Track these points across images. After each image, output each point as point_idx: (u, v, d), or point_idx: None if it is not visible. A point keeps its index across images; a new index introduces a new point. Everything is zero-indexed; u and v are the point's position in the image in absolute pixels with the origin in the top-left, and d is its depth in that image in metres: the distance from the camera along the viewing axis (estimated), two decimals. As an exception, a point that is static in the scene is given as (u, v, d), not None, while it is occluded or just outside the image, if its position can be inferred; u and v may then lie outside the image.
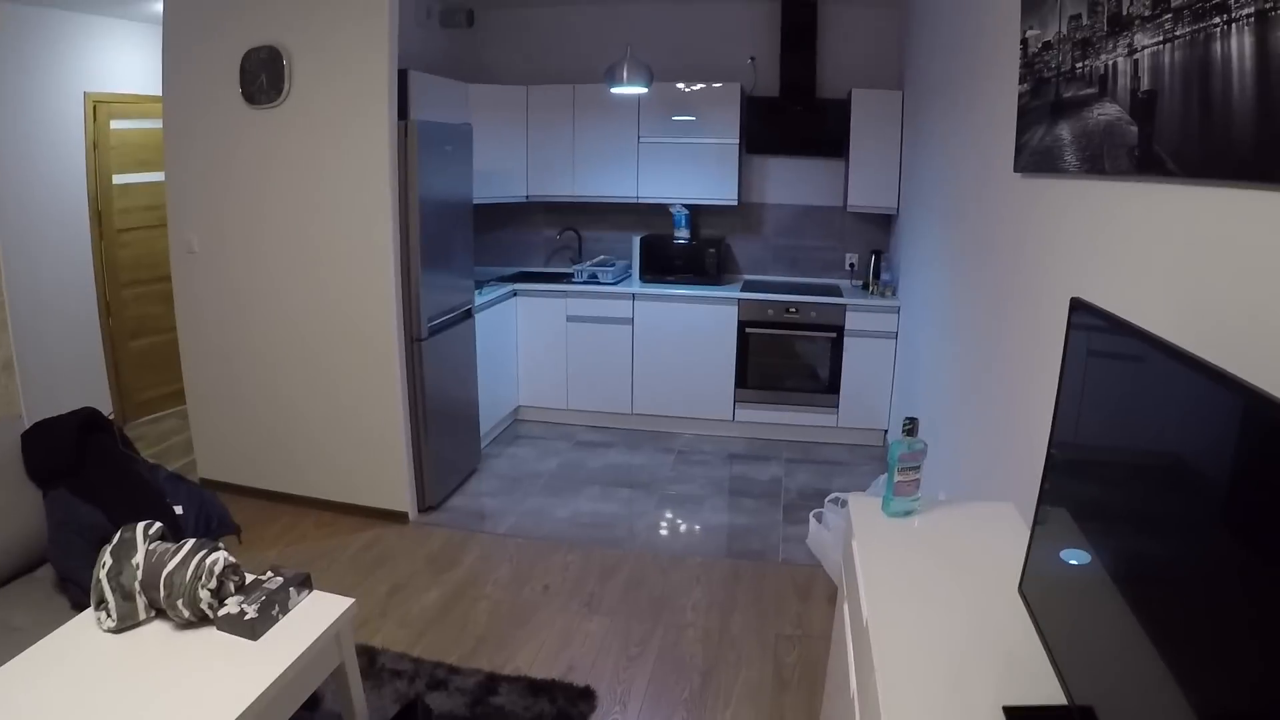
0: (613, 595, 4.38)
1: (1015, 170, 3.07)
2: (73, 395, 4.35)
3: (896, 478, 2.58)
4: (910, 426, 2.58)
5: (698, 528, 5.13)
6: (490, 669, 3.78)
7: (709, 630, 4.05)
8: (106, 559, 2.77)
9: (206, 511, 3.68)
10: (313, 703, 3.19)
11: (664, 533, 5.11)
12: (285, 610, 2.72)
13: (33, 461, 3.79)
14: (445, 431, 5.49)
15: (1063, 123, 2.58)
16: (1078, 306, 1.84)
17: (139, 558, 2.74)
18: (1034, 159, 2.87)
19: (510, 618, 4.19)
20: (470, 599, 4.37)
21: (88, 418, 3.82)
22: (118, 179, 6.76)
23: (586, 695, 3.61)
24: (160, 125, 5.33)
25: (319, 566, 4.60)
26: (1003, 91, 3.27)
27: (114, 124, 6.66)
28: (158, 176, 6.28)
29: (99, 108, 6.49)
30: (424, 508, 5.38)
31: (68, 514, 3.57)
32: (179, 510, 3.00)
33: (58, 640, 2.78)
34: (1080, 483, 1.86)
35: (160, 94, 5.23)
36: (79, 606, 3.33)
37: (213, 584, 2.65)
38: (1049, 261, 2.78)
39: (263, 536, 4.95)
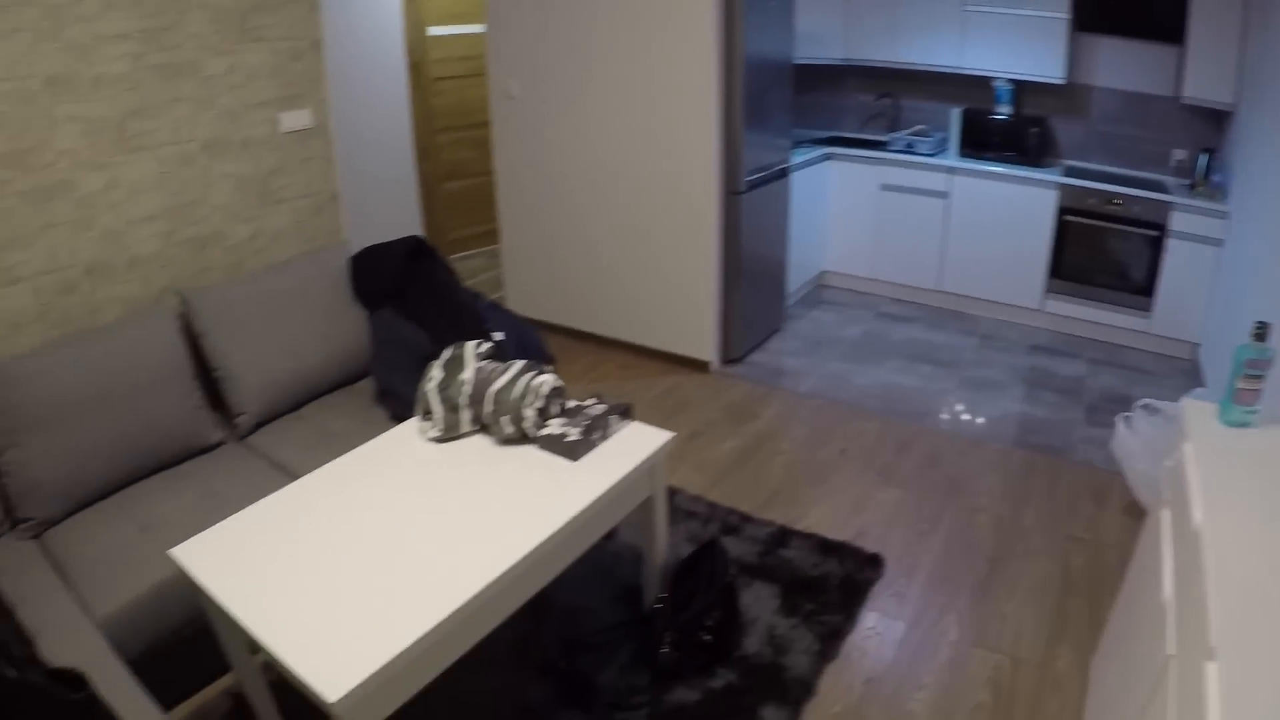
0: (908, 468, 4.30)
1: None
2: (389, 232, 4.51)
3: (1238, 384, 2.37)
4: (1261, 331, 2.35)
5: (996, 414, 4.93)
6: (783, 522, 3.80)
7: (1001, 519, 3.92)
8: (436, 373, 2.87)
9: (523, 341, 3.77)
10: (609, 533, 3.25)
11: (963, 414, 4.95)
12: (605, 436, 2.76)
13: (361, 283, 3.97)
14: (754, 287, 5.48)
15: None
16: None
17: (468, 374, 2.82)
18: None
19: (805, 476, 4.18)
20: (767, 452, 4.38)
21: (415, 245, 3.96)
22: (432, 30, 6.93)
23: (875, 562, 3.57)
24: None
25: (622, 406, 4.68)
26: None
27: (427, -23, 6.80)
28: (470, 29, 6.40)
29: (413, -38, 6.63)
30: (726, 359, 5.43)
31: (392, 332, 3.72)
32: (498, 337, 3.07)
33: (382, 444, 2.93)
34: None
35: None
36: (397, 419, 3.49)
37: (539, 404, 2.70)
38: None
39: (567, 373, 5.04)
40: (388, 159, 6.53)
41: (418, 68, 6.84)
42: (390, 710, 2.12)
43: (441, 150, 7.22)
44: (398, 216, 6.58)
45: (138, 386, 3.44)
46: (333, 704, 1.92)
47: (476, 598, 2.20)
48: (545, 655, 3.08)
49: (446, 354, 2.93)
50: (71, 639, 2.59)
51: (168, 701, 2.41)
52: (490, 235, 6.69)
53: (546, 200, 5.65)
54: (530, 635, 3.18)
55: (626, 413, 2.85)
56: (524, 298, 5.89)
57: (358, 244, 4.29)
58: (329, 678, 1.97)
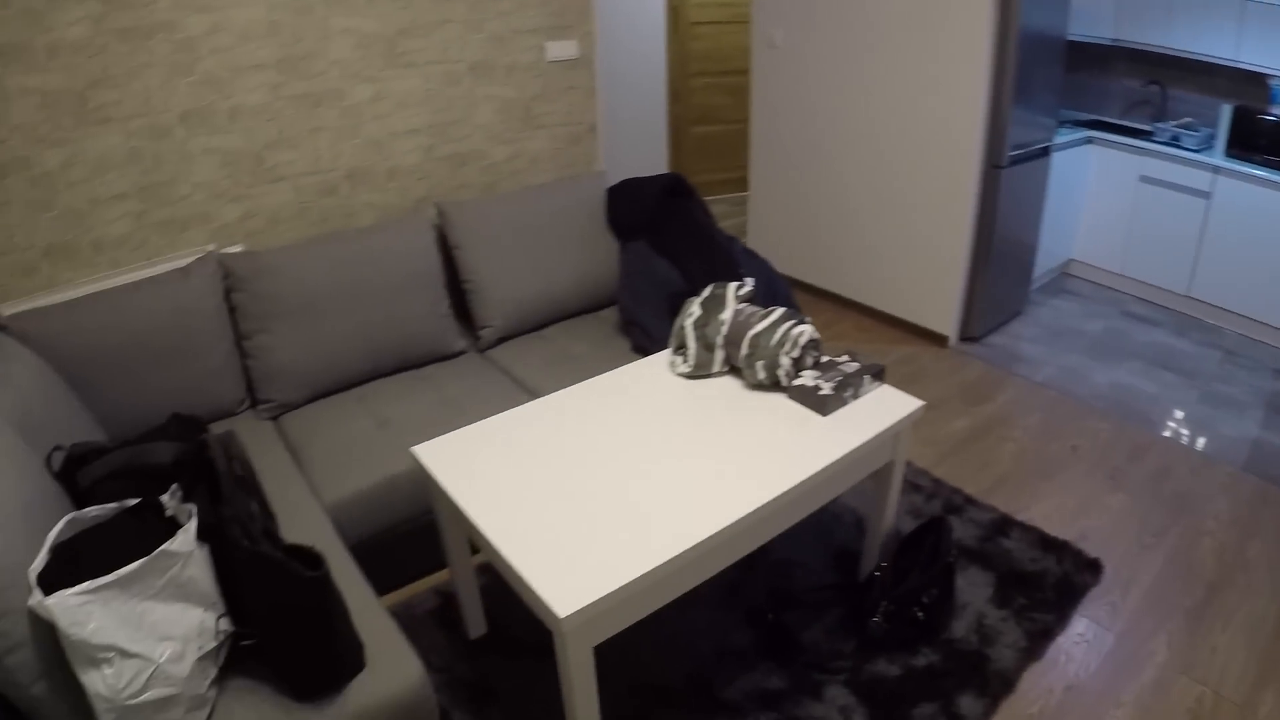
0: (1138, 476, 4.11)
1: None
2: (636, 169, 4.54)
3: None
4: None
5: (1233, 435, 4.64)
6: (1006, 511, 3.69)
7: (1225, 546, 3.70)
8: (695, 309, 2.87)
9: (773, 290, 3.74)
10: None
11: (1199, 430, 4.69)
12: (856, 395, 2.71)
13: (616, 214, 4.01)
14: (1001, 266, 5.28)
15: None
16: None
17: (727, 314, 2.81)
18: None
19: (1033, 467, 4.05)
20: (997, 437, 4.27)
21: (674, 182, 3.97)
22: (692, -25, 6.91)
23: (1093, 568, 3.43)
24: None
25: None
26: None
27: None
28: (732, -24, 6.36)
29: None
30: (964, 337, 5.27)
31: (644, 265, 3.74)
32: (749, 285, 3.06)
33: (630, 373, 2.97)
34: None
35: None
36: (639, 350, 3.53)
37: (795, 353, 2.68)
38: None
39: (804, 327, 5.08)
40: (641, 98, 6.60)
41: (676, 11, 6.85)
42: (607, 635, 2.15)
43: (694, 94, 7.21)
44: (645, 155, 6.65)
45: (389, 288, 3.57)
46: (561, 619, 1.94)
47: (713, 538, 2.20)
48: (754, 604, 3.07)
49: (706, 292, 2.93)
50: (301, 519, 2.72)
51: (378, 590, 2.50)
52: (735, 183, 6.69)
53: (800, 153, 5.57)
54: (743, 581, 3.18)
55: (879, 374, 2.80)
56: (766, 247, 5.77)
57: (611, 176, 4.35)
58: (560, 594, 2.00)
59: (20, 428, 2.33)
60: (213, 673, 2.05)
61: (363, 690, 2.10)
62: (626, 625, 2.18)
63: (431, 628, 3.06)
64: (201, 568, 2.04)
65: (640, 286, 3.71)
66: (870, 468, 2.76)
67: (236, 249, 3.74)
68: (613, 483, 2.42)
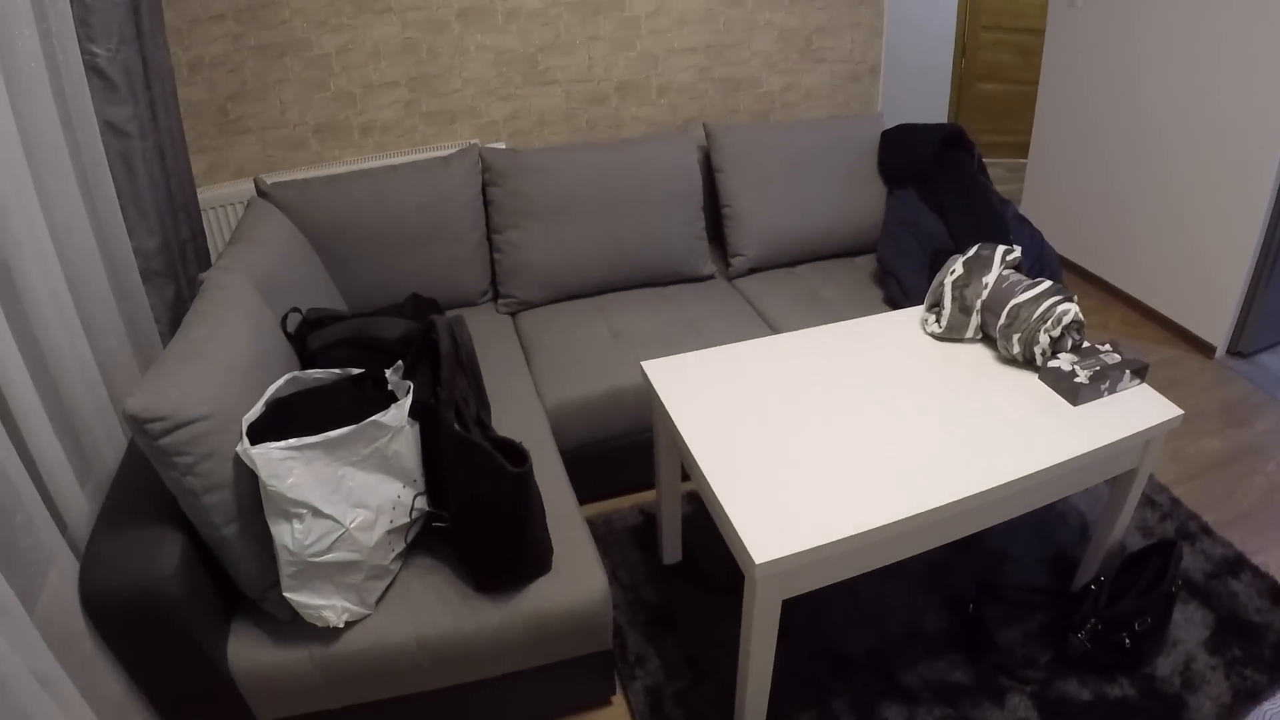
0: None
1: None
2: (913, 118, 4.35)
3: None
4: None
5: None
6: (1242, 549, 3.37)
7: None
8: (958, 268, 2.74)
9: (1042, 262, 3.56)
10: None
11: None
12: (1113, 390, 2.51)
13: (888, 159, 3.89)
14: (1284, 281, 4.81)
15: None
16: None
17: (991, 278, 2.66)
18: None
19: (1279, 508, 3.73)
20: (1248, 468, 3.91)
21: (954, 134, 3.82)
22: (995, -80, 6.59)
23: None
24: None
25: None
26: None
27: None
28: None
29: None
30: (1233, 350, 4.84)
31: (909, 215, 3.64)
32: (1018, 251, 2.88)
33: (876, 324, 2.87)
34: None
35: None
36: (890, 303, 3.45)
37: (1056, 332, 2.50)
38: None
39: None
40: (927, 45, 6.39)
41: (974, -41, 6.57)
42: (800, 591, 2.07)
43: (982, 49, 6.86)
44: (925, 105, 6.46)
45: (646, 202, 3.55)
46: (756, 565, 1.87)
47: (931, 514, 2.07)
48: (957, 591, 2.94)
49: (971, 251, 2.77)
50: (521, 415, 2.77)
51: (582, 498, 2.52)
52: (1014, 147, 6.38)
53: (1088, 125, 5.20)
54: (951, 564, 3.05)
55: (1142, 372, 2.58)
56: (1040, 219, 5.42)
57: (887, 120, 4.18)
58: (761, 539, 1.93)
59: (263, 287, 2.41)
60: (400, 547, 2.11)
61: (542, 593, 2.12)
62: (821, 585, 2.09)
63: (626, 544, 3.07)
64: (409, 444, 2.08)
65: (903, 237, 3.57)
66: (1112, 471, 2.56)
67: (499, 146, 3.82)
68: (838, 434, 2.31)
